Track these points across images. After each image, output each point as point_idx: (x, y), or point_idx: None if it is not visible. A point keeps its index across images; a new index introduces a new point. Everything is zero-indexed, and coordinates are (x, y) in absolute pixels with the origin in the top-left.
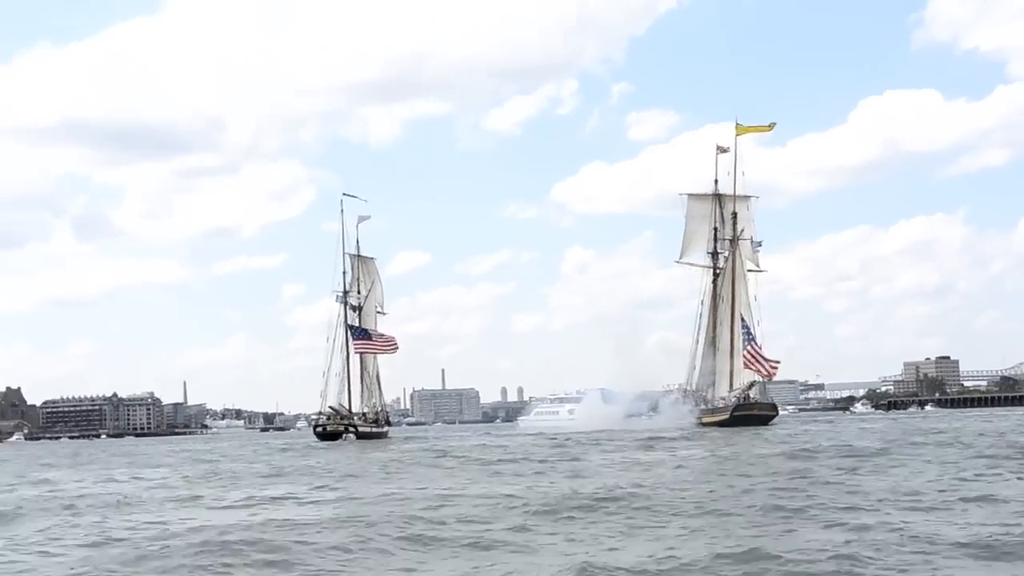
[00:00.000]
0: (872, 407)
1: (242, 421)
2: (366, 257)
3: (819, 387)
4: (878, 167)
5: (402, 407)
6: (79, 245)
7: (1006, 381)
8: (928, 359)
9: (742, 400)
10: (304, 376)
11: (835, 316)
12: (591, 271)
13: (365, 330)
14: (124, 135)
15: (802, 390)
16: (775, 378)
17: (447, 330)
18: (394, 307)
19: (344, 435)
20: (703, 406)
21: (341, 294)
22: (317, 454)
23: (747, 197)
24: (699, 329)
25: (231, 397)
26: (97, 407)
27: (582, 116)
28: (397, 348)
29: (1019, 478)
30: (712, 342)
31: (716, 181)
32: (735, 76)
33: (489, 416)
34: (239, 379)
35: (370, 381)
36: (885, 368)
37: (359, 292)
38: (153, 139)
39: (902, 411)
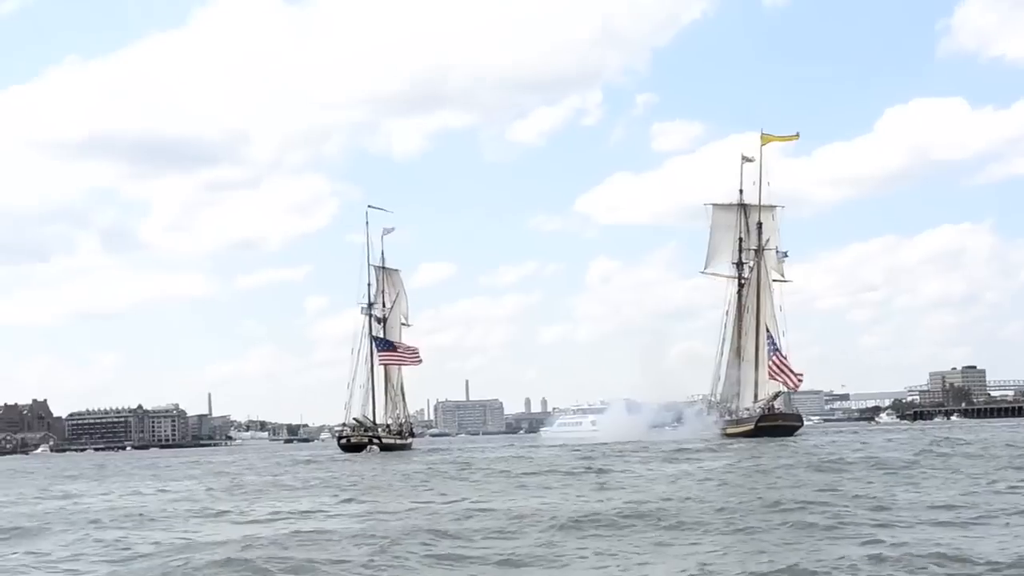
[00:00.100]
0: (898, 417)
1: (266, 433)
2: (391, 269)
3: (844, 397)
4: (904, 176)
5: (426, 418)
6: (106, 258)
7: None
8: (954, 369)
9: (767, 411)
10: (328, 388)
11: (860, 326)
12: (616, 282)
13: (390, 342)
14: (150, 149)
15: (827, 400)
16: (800, 388)
17: (471, 341)
18: (418, 319)
19: (368, 447)
20: (728, 417)
21: (366, 306)
22: (341, 466)
23: (772, 207)
24: (723, 340)
25: (255, 409)
26: (122, 419)
27: (606, 127)
28: (420, 360)
29: None
30: (737, 352)
31: (741, 191)
32: (760, 86)
33: (513, 427)
34: (263, 391)
35: (394, 393)
36: (911, 378)
37: (384, 304)
38: (179, 153)
39: (928, 421)
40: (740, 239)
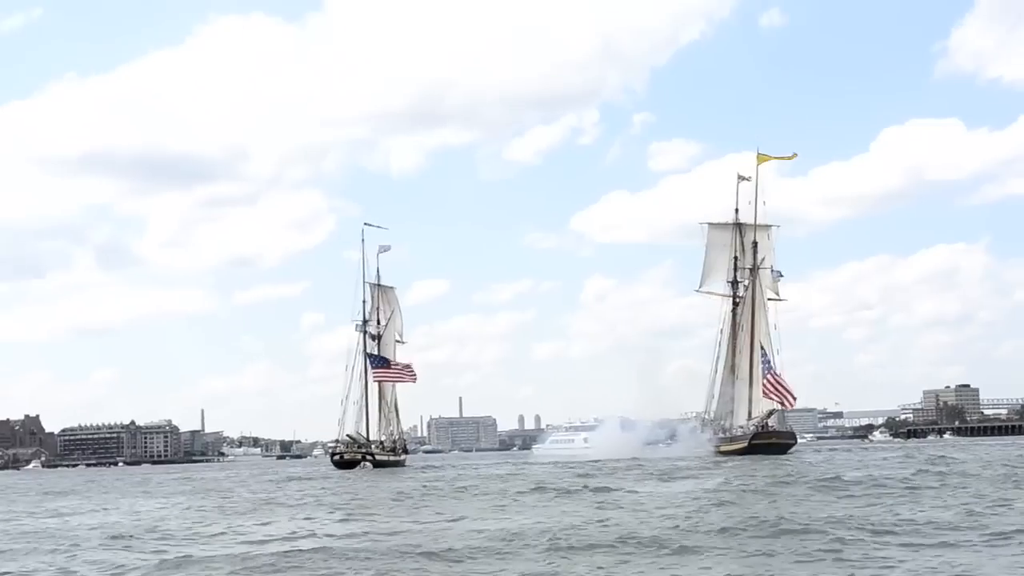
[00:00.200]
0: (891, 435)
1: (259, 449)
2: (386, 286)
3: (838, 415)
4: (900, 196)
5: (419, 435)
6: (101, 274)
7: None
8: (948, 387)
9: (761, 428)
10: (322, 404)
11: (855, 344)
12: (611, 300)
13: (384, 358)
14: (148, 165)
15: (821, 418)
16: (794, 406)
17: (465, 358)
18: (412, 335)
19: (361, 463)
20: (721, 434)
21: (361, 323)
22: (334, 483)
23: (768, 226)
24: (718, 358)
25: (250, 425)
26: (114, 435)
27: (603, 146)
28: (416, 378)
29: None
30: (731, 370)
31: (737, 210)
32: (757, 106)
33: (506, 444)
34: (258, 407)
35: (388, 409)
36: (905, 397)
37: (379, 321)
38: (177, 169)
39: (921, 439)
40: (735, 258)
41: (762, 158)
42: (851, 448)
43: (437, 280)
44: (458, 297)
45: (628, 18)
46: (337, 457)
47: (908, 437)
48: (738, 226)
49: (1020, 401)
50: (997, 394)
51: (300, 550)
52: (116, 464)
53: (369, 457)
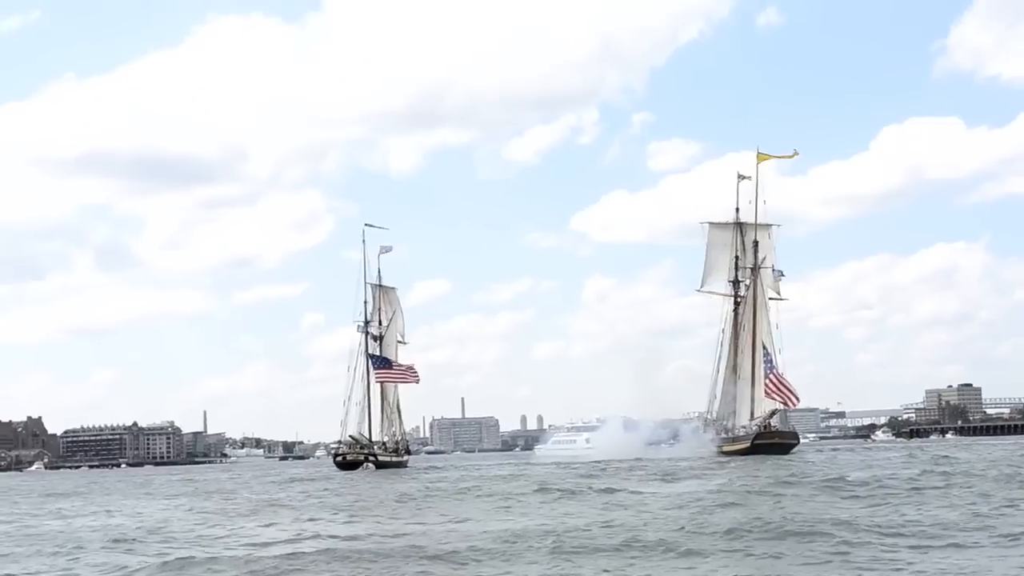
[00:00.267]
0: (893, 435)
1: (261, 450)
2: (387, 287)
3: (840, 415)
4: (900, 195)
5: (421, 436)
6: (101, 275)
7: None
8: (950, 387)
9: (763, 428)
10: (323, 405)
11: (856, 344)
12: (611, 299)
13: (386, 359)
14: (146, 166)
15: (823, 418)
16: (797, 406)
17: (466, 359)
18: (413, 335)
19: (364, 464)
20: (724, 434)
21: (363, 323)
22: (337, 484)
23: (768, 225)
24: (720, 358)
25: (251, 426)
26: (117, 436)
27: (603, 145)
28: (418, 379)
29: None
30: (733, 370)
31: (737, 209)
32: (756, 106)
33: (508, 444)
34: (259, 408)
35: (390, 410)
36: (907, 396)
37: (380, 322)
38: (175, 170)
39: (924, 439)
40: (736, 257)
41: (762, 157)
42: (854, 448)
43: (437, 280)
44: (458, 297)
45: (627, 18)
46: (340, 458)
47: (911, 437)
48: (739, 225)
49: (1022, 400)
50: (1000, 393)
51: (303, 552)
52: (119, 466)
53: (372, 458)
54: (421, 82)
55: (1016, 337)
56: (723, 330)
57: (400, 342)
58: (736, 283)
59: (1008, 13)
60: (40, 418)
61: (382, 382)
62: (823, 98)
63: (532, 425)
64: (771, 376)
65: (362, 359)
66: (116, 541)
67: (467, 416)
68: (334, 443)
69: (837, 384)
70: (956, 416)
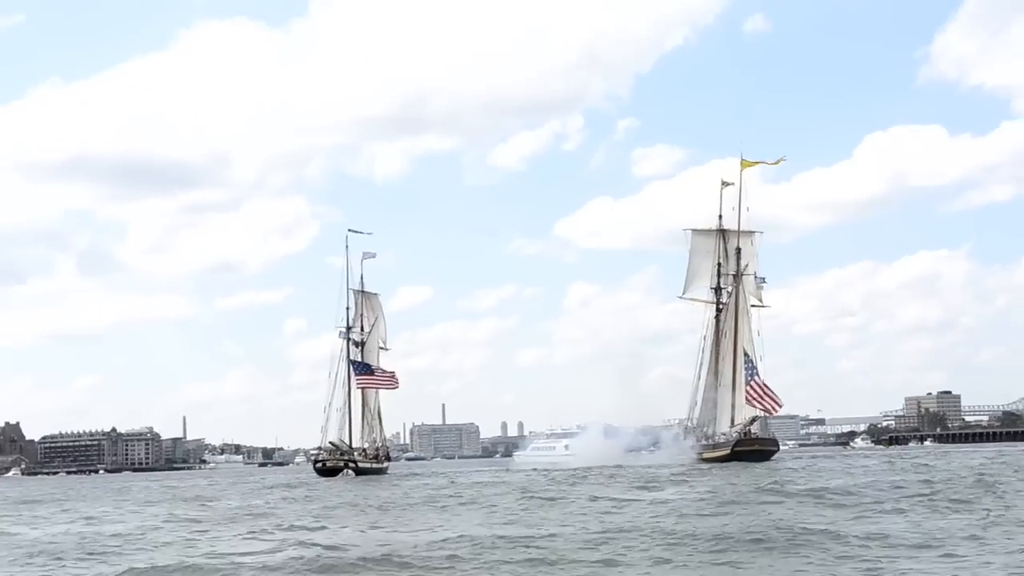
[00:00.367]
0: (872, 442)
1: (241, 456)
2: (370, 293)
3: (820, 422)
4: (883, 202)
5: (402, 442)
6: (83, 280)
7: (1008, 416)
8: (930, 394)
9: (744, 435)
10: (304, 411)
11: (837, 351)
12: (594, 306)
13: (367, 365)
14: (130, 171)
15: (803, 425)
16: (778, 412)
17: (448, 365)
18: (395, 342)
19: (344, 471)
20: (704, 441)
21: (344, 329)
22: (315, 492)
23: (751, 232)
24: (701, 364)
25: (232, 432)
26: (96, 442)
27: (587, 152)
28: (398, 384)
29: None
30: (715, 377)
31: (720, 216)
32: (741, 112)
33: (489, 451)
34: (240, 414)
35: (371, 416)
36: (887, 403)
37: (363, 328)
38: (159, 175)
39: (902, 446)
40: (719, 264)
41: (746, 164)
42: (833, 455)
43: (421, 286)
44: (442, 303)
45: (612, 24)
46: (320, 465)
47: (890, 444)
48: (722, 232)
49: (1002, 408)
50: (979, 400)
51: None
52: (97, 472)
53: (352, 464)
54: (406, 88)
55: (997, 345)
56: (704, 337)
57: (382, 348)
58: (718, 290)
59: (992, 22)
60: (18, 423)
61: (363, 388)
62: (807, 105)
63: (513, 432)
64: (753, 382)
65: (343, 365)
66: (90, 552)
67: (448, 422)
68: (314, 449)
69: (819, 391)
70: (935, 423)
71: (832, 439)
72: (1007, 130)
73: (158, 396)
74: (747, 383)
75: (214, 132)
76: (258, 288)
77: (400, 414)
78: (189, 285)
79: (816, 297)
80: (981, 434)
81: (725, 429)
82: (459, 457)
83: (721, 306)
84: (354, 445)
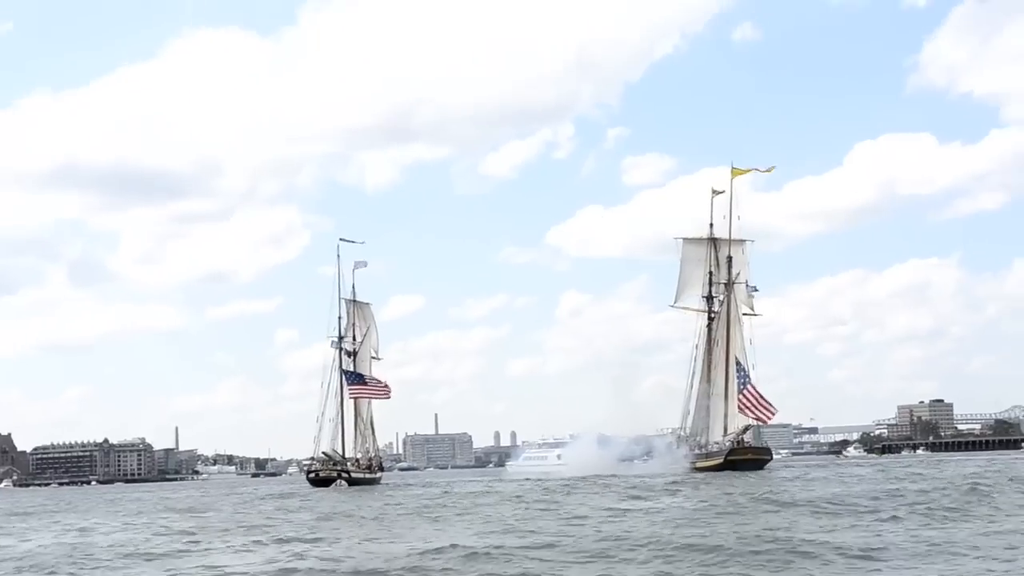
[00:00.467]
0: (865, 451)
1: (233, 467)
2: (362, 302)
3: (813, 431)
4: (873, 210)
5: (395, 452)
6: (74, 290)
7: (1000, 424)
8: (922, 402)
9: (737, 444)
10: (296, 421)
11: (830, 360)
12: (586, 315)
13: (360, 375)
14: (120, 181)
15: (796, 434)
16: (770, 422)
17: (440, 374)
18: (387, 351)
19: (337, 481)
20: (697, 450)
21: (336, 339)
22: (308, 503)
23: (742, 241)
24: (693, 373)
25: (224, 442)
26: (88, 453)
27: (578, 160)
28: (391, 395)
29: None
30: (707, 386)
31: (711, 225)
32: (731, 121)
33: (482, 461)
34: (232, 424)
35: (364, 426)
36: (879, 412)
37: (355, 337)
38: (149, 184)
39: (895, 455)
40: (710, 273)
41: (736, 172)
42: (826, 464)
43: (412, 296)
44: (433, 313)
45: (602, 33)
46: (312, 475)
47: (882, 453)
48: (712, 241)
49: (994, 416)
50: (971, 409)
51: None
52: (89, 483)
53: (345, 475)
54: (397, 97)
55: (988, 353)
56: (696, 345)
57: (374, 358)
58: (710, 298)
59: (981, 29)
60: (9, 435)
61: (355, 398)
62: (797, 113)
63: (506, 441)
64: (747, 390)
65: (335, 375)
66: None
67: (441, 432)
68: (307, 460)
69: (811, 400)
70: (928, 432)
71: (825, 448)
72: (996, 138)
73: (150, 406)
74: (740, 391)
75: (205, 141)
76: (249, 298)
77: (393, 424)
78: (180, 295)
79: (807, 306)
80: (974, 442)
81: (718, 438)
82: (452, 467)
83: (713, 315)
84: (347, 455)
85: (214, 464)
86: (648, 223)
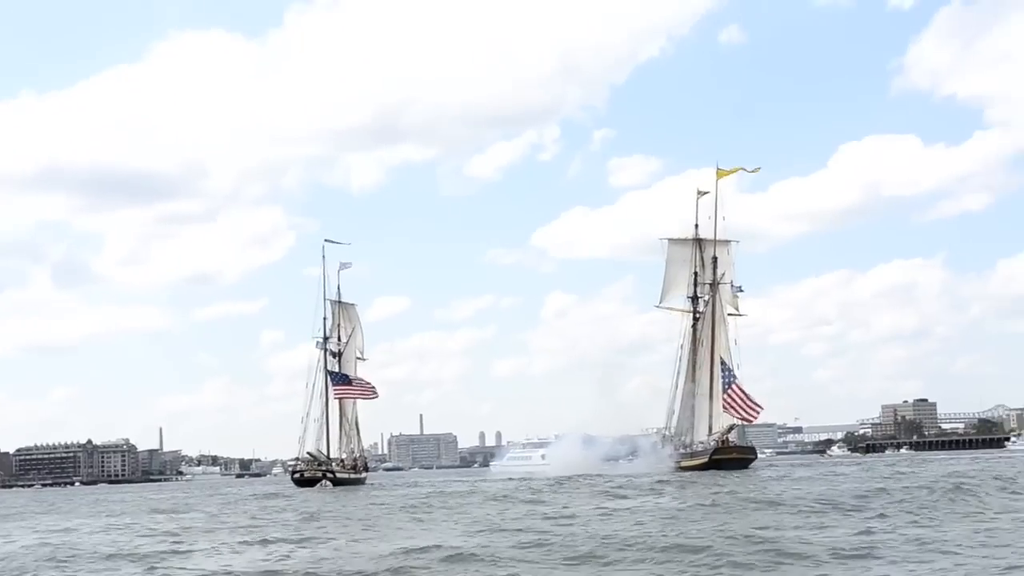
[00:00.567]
0: (849, 450)
1: (218, 468)
2: (347, 303)
3: (797, 430)
4: (858, 212)
5: (379, 452)
6: (58, 292)
7: (984, 423)
8: (906, 402)
9: (721, 444)
10: (281, 422)
11: (814, 360)
12: (571, 316)
13: (345, 375)
14: (105, 182)
15: (780, 433)
16: (755, 421)
17: (426, 375)
18: (372, 352)
19: (322, 481)
20: (682, 450)
21: (321, 340)
22: (293, 503)
23: (727, 241)
24: (678, 373)
25: (209, 443)
26: (71, 454)
27: (564, 162)
28: (376, 395)
29: None
30: (692, 385)
31: (696, 225)
32: (716, 122)
33: (467, 461)
34: (217, 425)
35: (348, 427)
36: (864, 411)
37: (340, 338)
38: (134, 186)
39: (879, 454)
40: (695, 273)
41: (721, 173)
42: (811, 463)
43: (398, 297)
44: (419, 314)
45: (588, 35)
46: (297, 475)
47: (867, 452)
48: (698, 241)
49: (977, 415)
50: (954, 408)
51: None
52: (73, 484)
53: (329, 475)
54: (382, 98)
55: (972, 353)
56: (681, 346)
57: (359, 358)
58: (695, 299)
59: (965, 32)
60: None
61: (340, 398)
62: (782, 115)
63: (491, 441)
64: (732, 389)
65: (321, 375)
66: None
67: (426, 433)
68: (292, 460)
69: (795, 399)
70: (911, 431)
71: (809, 447)
72: (980, 140)
73: (134, 408)
74: (725, 391)
75: (190, 143)
76: (234, 299)
77: (378, 424)
78: (165, 296)
79: (792, 306)
80: (957, 441)
81: (703, 437)
82: (437, 467)
83: (698, 315)
84: (332, 456)
85: (198, 465)
86: (634, 224)
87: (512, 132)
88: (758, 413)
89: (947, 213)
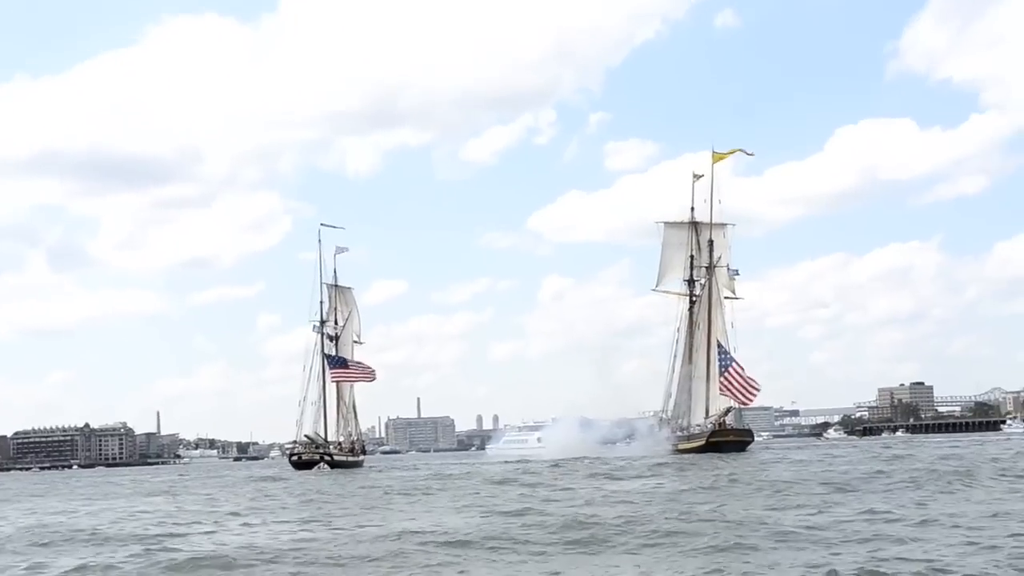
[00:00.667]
0: (846, 433)
1: (215, 451)
2: (343, 287)
3: (794, 413)
4: (854, 195)
5: (377, 435)
6: (54, 276)
7: (980, 406)
8: (902, 385)
9: (718, 426)
10: (279, 405)
11: (811, 343)
12: (568, 299)
13: (342, 359)
14: (101, 166)
15: (777, 416)
16: (751, 404)
17: (423, 359)
18: (370, 336)
19: (319, 464)
20: (679, 433)
21: (318, 323)
22: (290, 485)
23: (723, 225)
24: (675, 356)
25: (206, 427)
26: (69, 438)
27: (560, 146)
28: (374, 377)
29: None
30: (689, 368)
31: (692, 209)
32: (712, 106)
33: (464, 444)
34: (214, 408)
35: (346, 410)
36: (860, 394)
37: (336, 321)
38: (130, 170)
39: (876, 437)
40: (692, 257)
41: (717, 156)
42: (807, 446)
43: (395, 280)
44: (416, 297)
45: (583, 18)
46: (295, 458)
47: (863, 435)
48: (694, 225)
49: (973, 398)
50: (951, 391)
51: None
52: (70, 467)
53: (327, 458)
54: (378, 83)
55: (968, 335)
56: (678, 329)
57: (356, 342)
58: (691, 282)
59: (960, 15)
60: None
61: (338, 382)
62: (778, 99)
63: (488, 425)
64: (731, 369)
65: (318, 359)
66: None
67: (423, 416)
68: (289, 443)
69: (792, 383)
70: (908, 414)
71: (806, 430)
72: (976, 123)
73: (131, 391)
74: (722, 373)
75: (185, 127)
76: (231, 283)
77: (375, 408)
78: (161, 280)
79: (789, 289)
80: (953, 424)
81: (700, 420)
82: (434, 450)
83: (694, 298)
84: (329, 439)
85: (196, 448)
86: (630, 208)
87: (508, 116)
88: (756, 393)
89: (943, 196)
